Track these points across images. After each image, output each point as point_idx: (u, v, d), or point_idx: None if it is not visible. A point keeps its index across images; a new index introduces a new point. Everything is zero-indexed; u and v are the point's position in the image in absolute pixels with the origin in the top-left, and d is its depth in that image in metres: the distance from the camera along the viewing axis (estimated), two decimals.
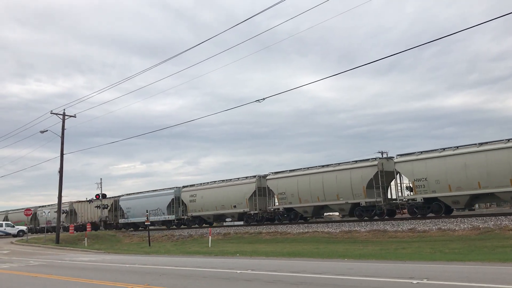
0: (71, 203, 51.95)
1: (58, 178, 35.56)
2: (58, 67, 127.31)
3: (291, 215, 31.95)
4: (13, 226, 47.98)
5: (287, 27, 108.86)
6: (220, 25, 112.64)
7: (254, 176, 34.19)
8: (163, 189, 42.07)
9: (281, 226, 31.24)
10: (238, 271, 12.65)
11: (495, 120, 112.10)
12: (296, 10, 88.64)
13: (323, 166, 30.07)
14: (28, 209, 40.41)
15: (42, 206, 54.12)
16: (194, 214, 38.20)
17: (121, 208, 45.37)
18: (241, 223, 36.39)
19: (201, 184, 38.69)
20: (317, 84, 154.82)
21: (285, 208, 31.96)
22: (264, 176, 33.87)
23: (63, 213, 47.85)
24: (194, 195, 38.07)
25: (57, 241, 35.09)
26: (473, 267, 11.72)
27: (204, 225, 38.72)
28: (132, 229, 44.52)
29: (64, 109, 36.25)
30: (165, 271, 13.89)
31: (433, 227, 23.30)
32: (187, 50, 58.58)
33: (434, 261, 13.76)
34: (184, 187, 39.85)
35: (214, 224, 39.50)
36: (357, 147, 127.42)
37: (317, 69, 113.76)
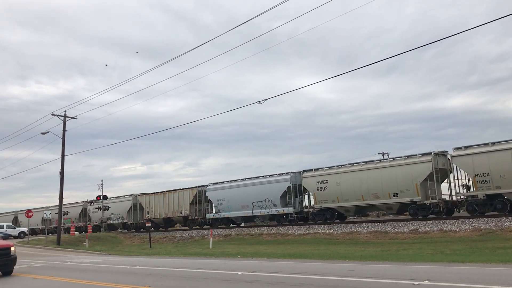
0: (135, 196, 44.61)
1: (59, 180, 35.69)
2: (59, 69, 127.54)
3: (497, 205, 23.19)
4: (14, 228, 48.03)
5: (287, 28, 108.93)
6: (220, 27, 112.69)
7: (429, 153, 25.79)
8: (274, 175, 33.69)
9: (282, 227, 31.14)
10: (239, 273, 12.66)
11: (496, 121, 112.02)
12: (296, 11, 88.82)
13: None
14: (29, 211, 40.42)
15: (92, 201, 50.29)
16: (325, 205, 29.75)
17: (209, 200, 37.49)
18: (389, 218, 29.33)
19: (329, 167, 30.31)
20: (317, 86, 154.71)
21: (487, 195, 23.40)
22: (444, 153, 26.19)
23: (129, 208, 44.30)
24: (324, 181, 29.73)
25: (58, 242, 35.09)
26: (474, 268, 11.71)
27: (336, 220, 30.35)
28: (224, 225, 37.16)
29: (65, 111, 36.35)
30: (166, 272, 13.90)
31: (434, 228, 23.31)
32: (188, 52, 58.80)
33: (435, 262, 13.75)
34: (305, 171, 31.52)
35: (348, 219, 31.60)
36: (359, 148, 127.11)
37: (317, 70, 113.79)
